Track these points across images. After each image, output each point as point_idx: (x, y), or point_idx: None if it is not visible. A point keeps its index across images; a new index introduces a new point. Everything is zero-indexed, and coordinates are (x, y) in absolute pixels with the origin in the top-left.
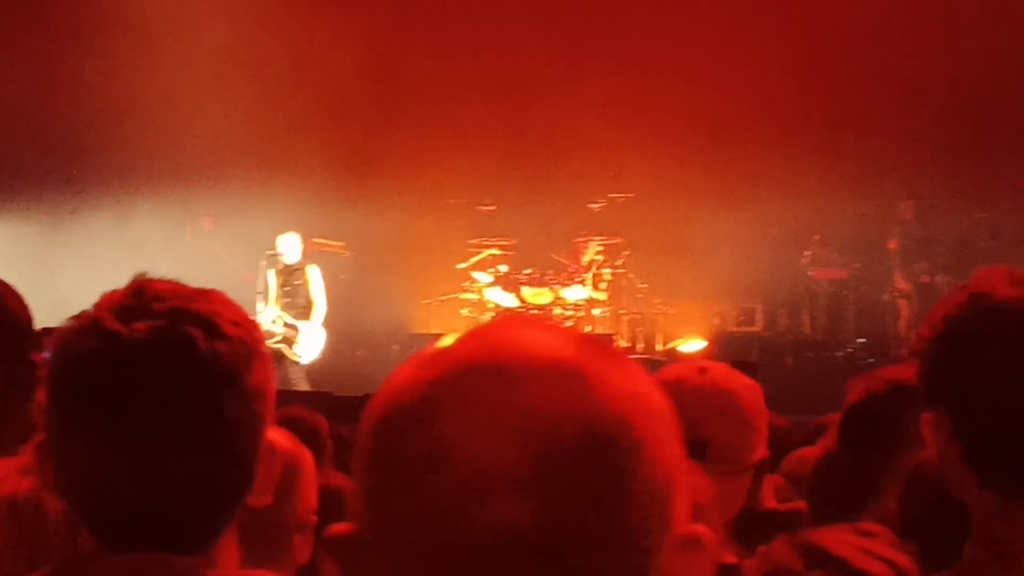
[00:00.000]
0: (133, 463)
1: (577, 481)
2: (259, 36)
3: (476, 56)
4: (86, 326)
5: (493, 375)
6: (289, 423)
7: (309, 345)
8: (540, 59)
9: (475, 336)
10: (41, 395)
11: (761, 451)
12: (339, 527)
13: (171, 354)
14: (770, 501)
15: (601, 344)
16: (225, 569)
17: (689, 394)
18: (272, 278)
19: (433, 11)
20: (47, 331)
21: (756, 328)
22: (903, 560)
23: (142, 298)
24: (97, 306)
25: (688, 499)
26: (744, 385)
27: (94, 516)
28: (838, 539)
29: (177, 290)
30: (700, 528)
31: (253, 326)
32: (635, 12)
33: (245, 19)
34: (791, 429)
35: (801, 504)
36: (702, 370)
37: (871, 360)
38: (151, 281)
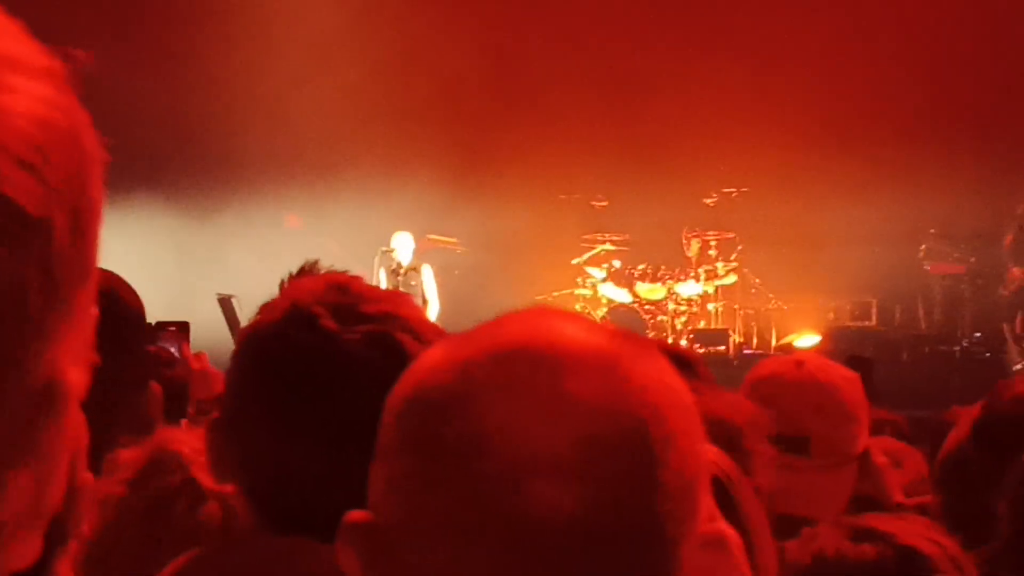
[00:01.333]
0: (333, 460)
1: (616, 467)
2: (371, 29)
3: (588, 49)
4: (297, 318)
5: (532, 360)
6: None
7: None
8: (653, 52)
9: (509, 322)
10: (225, 376)
11: (864, 441)
12: (357, 514)
13: (385, 359)
14: (898, 495)
15: (633, 337)
16: None
17: (788, 389)
18: (383, 277)
19: (546, 3)
20: (161, 324)
21: (871, 323)
22: (949, 543)
23: (351, 297)
24: (300, 298)
25: (711, 499)
26: (843, 377)
27: (268, 502)
28: (885, 520)
29: (375, 291)
30: (725, 527)
31: (443, 334)
32: (751, 4)
33: (358, 11)
34: (900, 422)
35: (927, 498)
36: (799, 363)
37: (987, 355)
38: (346, 278)
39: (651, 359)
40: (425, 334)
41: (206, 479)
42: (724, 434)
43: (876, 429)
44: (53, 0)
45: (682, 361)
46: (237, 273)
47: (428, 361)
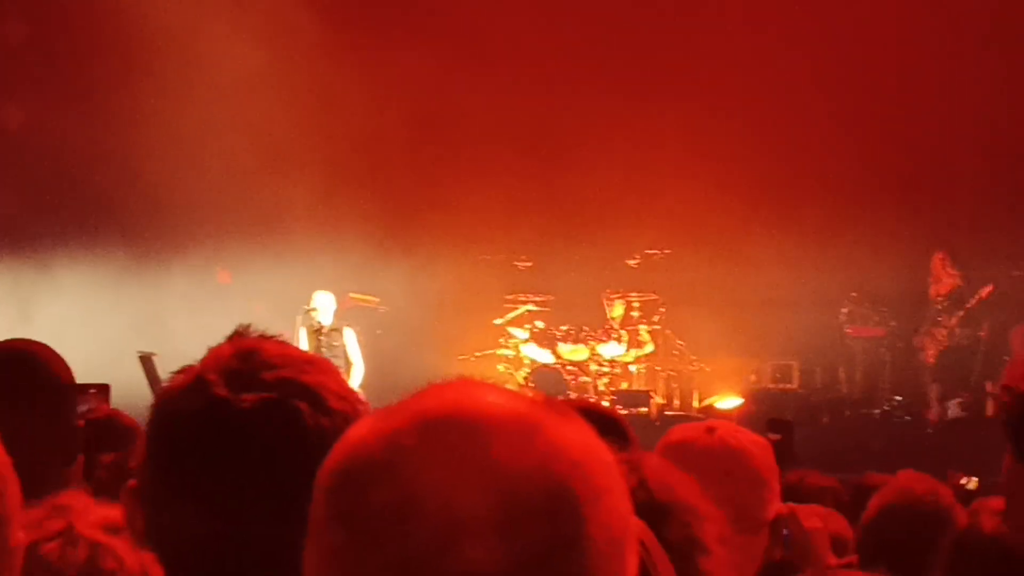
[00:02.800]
0: (226, 529)
1: (543, 527)
2: (294, 87)
3: (511, 110)
4: (193, 386)
5: (457, 428)
6: None
7: None
8: (577, 114)
9: (433, 393)
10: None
11: (775, 507)
12: None
13: (276, 426)
14: (829, 557)
15: (553, 402)
16: None
17: (698, 455)
18: (304, 337)
19: (470, 67)
20: (82, 387)
21: (793, 385)
22: None
23: (251, 363)
24: (204, 365)
25: (637, 556)
26: (753, 442)
27: (177, 567)
28: None
29: (287, 356)
30: None
31: (356, 399)
32: (677, 68)
33: (279, 69)
34: (838, 488)
35: (852, 558)
36: (710, 429)
37: (907, 418)
38: (260, 343)
39: (571, 422)
40: (328, 401)
41: (88, 529)
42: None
43: (817, 496)
44: None
45: (610, 424)
46: (163, 330)
47: (355, 434)
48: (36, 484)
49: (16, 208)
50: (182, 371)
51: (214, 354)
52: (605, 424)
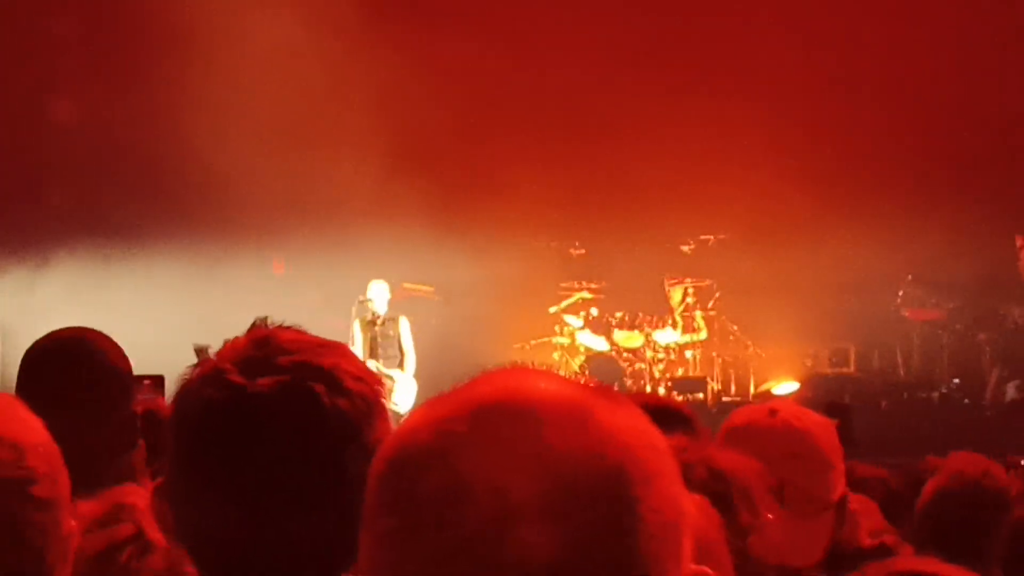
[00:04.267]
0: (250, 516)
1: (594, 509)
2: (347, 79)
3: (567, 96)
4: (209, 376)
5: (506, 413)
6: None
7: (405, 395)
8: (632, 98)
9: (484, 380)
10: (153, 439)
11: (841, 488)
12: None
13: (293, 410)
14: (864, 539)
15: (605, 389)
16: None
17: (762, 437)
18: (358, 328)
19: (524, 54)
20: (137, 379)
21: (849, 369)
22: None
23: (266, 350)
24: (220, 355)
25: (693, 538)
26: (817, 423)
27: (207, 563)
28: (926, 563)
29: (301, 341)
30: (706, 570)
31: (375, 380)
32: (733, 52)
33: (333, 66)
34: (887, 477)
35: (888, 538)
36: (772, 411)
37: (966, 401)
38: (276, 331)
39: (622, 407)
40: (344, 382)
41: (155, 533)
42: (724, 489)
43: (870, 487)
44: (52, 54)
45: (678, 416)
46: (219, 323)
47: (407, 423)
48: (94, 471)
49: (72, 201)
50: (199, 364)
51: (230, 345)
52: (672, 415)
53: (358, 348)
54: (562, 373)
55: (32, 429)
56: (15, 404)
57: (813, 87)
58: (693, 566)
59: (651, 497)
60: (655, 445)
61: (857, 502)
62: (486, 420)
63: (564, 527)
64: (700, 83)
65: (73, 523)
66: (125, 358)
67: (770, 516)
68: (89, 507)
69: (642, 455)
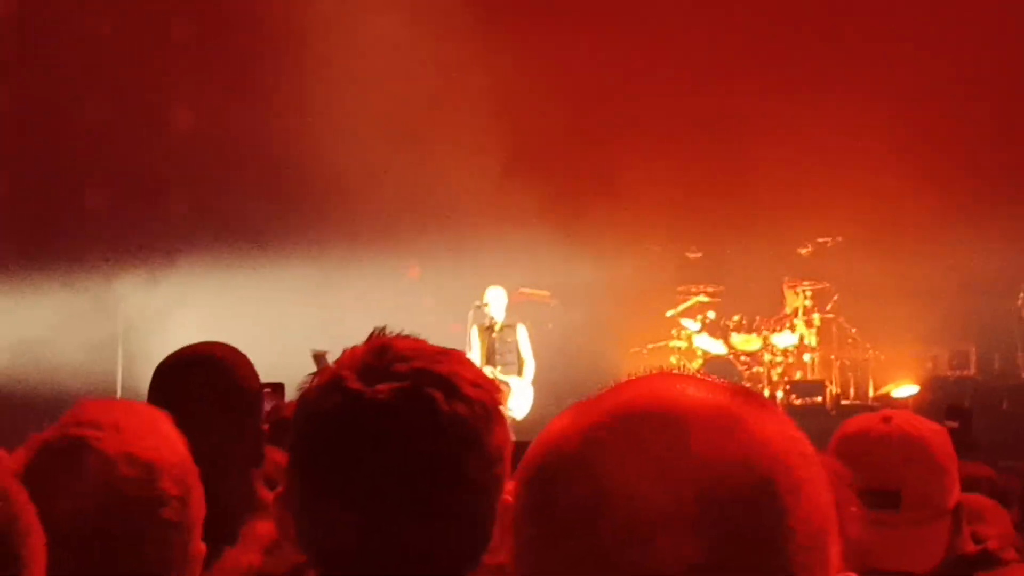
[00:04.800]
0: (370, 523)
1: (740, 521)
2: (463, 82)
3: (683, 99)
4: (329, 384)
5: (652, 421)
6: None
7: (522, 401)
8: (747, 100)
9: (630, 386)
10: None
11: (956, 495)
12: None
13: (412, 416)
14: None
15: (753, 394)
16: None
17: (876, 444)
18: (475, 335)
19: (642, 54)
20: (272, 386)
21: (970, 372)
22: None
23: (384, 358)
24: (339, 363)
25: (841, 546)
26: (932, 430)
27: (329, 570)
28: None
29: (419, 349)
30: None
31: (493, 387)
32: (848, 52)
33: (450, 67)
34: (994, 477)
35: (993, 543)
36: (886, 419)
37: None
38: (393, 339)
39: (772, 414)
40: (463, 388)
41: None
42: None
43: (971, 485)
44: (172, 59)
45: None
46: (337, 328)
47: (552, 429)
48: (223, 488)
49: (196, 204)
50: (318, 371)
51: (349, 354)
52: None
53: (475, 354)
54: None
55: (170, 447)
56: (159, 420)
57: (934, 87)
58: (843, 573)
59: (800, 507)
60: (804, 452)
61: (990, 507)
62: (632, 428)
63: (708, 538)
64: (819, 84)
65: (202, 546)
66: (255, 375)
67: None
68: (265, 527)
69: (792, 464)
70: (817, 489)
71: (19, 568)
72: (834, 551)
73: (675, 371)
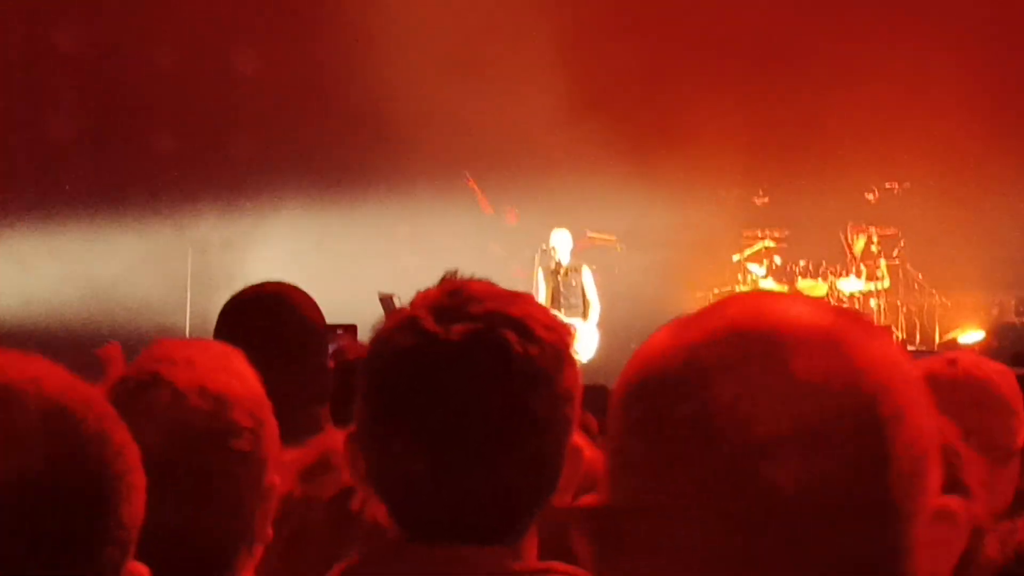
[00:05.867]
0: (442, 461)
1: (845, 447)
2: (531, 22)
3: (749, 44)
4: (403, 324)
5: (757, 341)
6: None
7: (587, 344)
8: (814, 46)
9: (733, 304)
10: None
11: (1021, 439)
12: (589, 499)
13: (486, 356)
14: None
15: (858, 316)
16: (528, 561)
17: (943, 387)
18: (541, 278)
19: (699, 12)
20: (345, 328)
21: None
22: None
23: (458, 299)
24: (414, 305)
25: (941, 473)
26: (998, 371)
27: (401, 509)
28: None
29: (492, 292)
30: (954, 501)
31: (565, 330)
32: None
33: (518, 4)
34: None
35: None
36: (951, 362)
37: None
38: (466, 282)
39: (877, 337)
40: (535, 331)
41: None
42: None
43: None
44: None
45: None
46: (403, 271)
47: (653, 346)
48: (289, 425)
49: (253, 150)
50: (393, 313)
51: (423, 295)
52: None
53: (541, 296)
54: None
55: (243, 382)
56: (231, 355)
57: (1000, 33)
58: (941, 499)
59: (903, 432)
60: (908, 376)
61: None
62: (733, 347)
63: (811, 462)
64: (886, 30)
65: (276, 479)
66: (320, 314)
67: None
68: (296, 455)
69: (895, 389)
70: (919, 416)
71: (119, 505)
72: (934, 478)
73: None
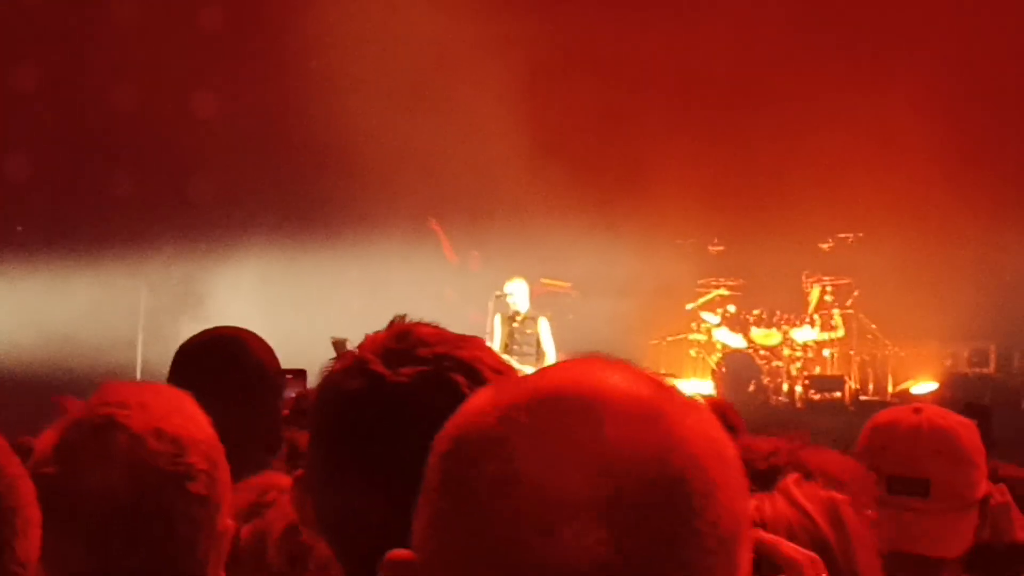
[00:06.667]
0: (390, 506)
1: (649, 516)
2: (487, 70)
3: (708, 96)
4: (351, 367)
5: (571, 406)
6: None
7: None
8: (771, 96)
9: (556, 370)
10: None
11: (984, 487)
12: (399, 552)
13: (435, 400)
14: (1020, 533)
15: (677, 389)
16: None
17: (906, 434)
18: (498, 323)
19: (666, 51)
20: (294, 373)
21: (989, 370)
22: None
23: (406, 342)
24: (362, 348)
25: (751, 556)
26: (960, 423)
27: (350, 551)
28: None
29: (440, 335)
30: None
31: (514, 374)
32: (869, 50)
33: (473, 51)
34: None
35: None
36: (917, 410)
37: None
38: (415, 325)
39: (696, 412)
40: (484, 373)
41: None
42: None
43: (1010, 489)
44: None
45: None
46: (355, 317)
47: (472, 405)
48: (240, 471)
49: (209, 196)
50: (340, 356)
51: (371, 339)
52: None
53: (495, 342)
54: (644, 368)
55: (198, 426)
56: (185, 400)
57: (952, 82)
58: None
59: (711, 510)
60: (722, 455)
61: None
62: (549, 411)
63: (616, 531)
64: (844, 80)
65: (229, 522)
66: (275, 358)
67: (872, 514)
68: (235, 498)
69: (707, 464)
70: (731, 494)
71: (12, 539)
72: (744, 559)
73: (607, 357)
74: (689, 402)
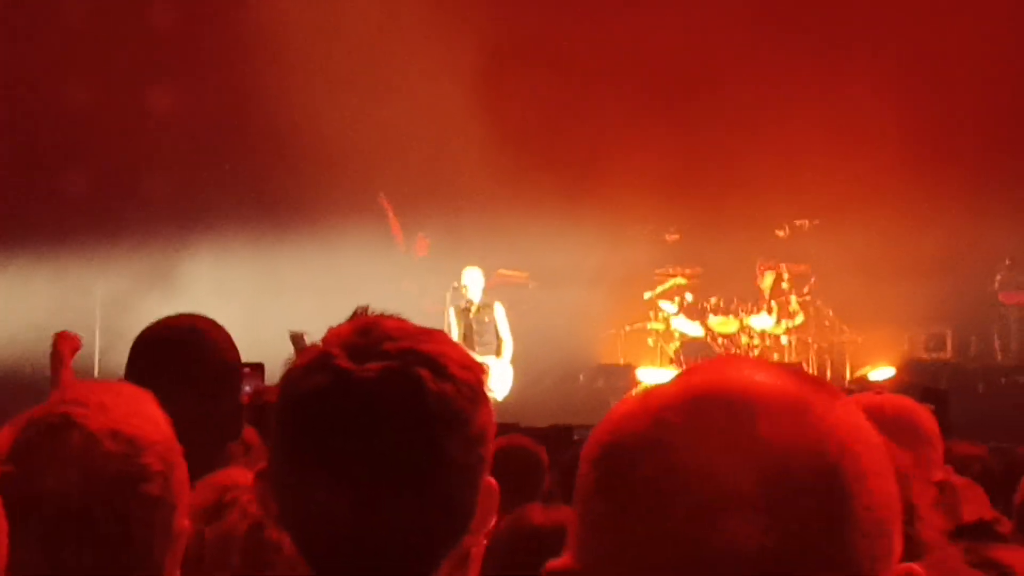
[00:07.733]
0: (355, 500)
1: (806, 506)
2: (443, 60)
3: (663, 84)
4: (316, 362)
5: (722, 405)
6: (512, 452)
7: (501, 382)
8: (726, 84)
9: (701, 370)
10: (249, 428)
11: (940, 471)
12: (558, 562)
13: (400, 395)
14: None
15: (820, 380)
16: None
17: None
18: (453, 316)
19: (621, 40)
20: (251, 367)
21: (946, 354)
22: None
23: (371, 336)
24: (326, 342)
25: (902, 538)
26: (916, 408)
27: (311, 548)
28: (1009, 552)
29: (406, 329)
30: (915, 567)
31: (479, 368)
32: (822, 35)
33: (430, 42)
34: (986, 457)
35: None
36: (876, 393)
37: None
38: (379, 318)
39: (840, 402)
40: (449, 368)
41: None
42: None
43: (964, 465)
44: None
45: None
46: (314, 309)
47: (620, 410)
48: (200, 462)
49: (162, 190)
50: (305, 350)
51: (335, 332)
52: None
53: (454, 335)
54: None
55: (154, 425)
56: (142, 399)
57: (908, 70)
58: (903, 564)
59: (865, 494)
60: (871, 441)
61: (965, 485)
62: (702, 411)
63: (776, 519)
64: (798, 68)
65: (186, 523)
66: (234, 349)
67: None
68: (194, 497)
69: (858, 452)
70: (883, 478)
71: None
72: (897, 541)
73: (747, 357)
74: (833, 392)
